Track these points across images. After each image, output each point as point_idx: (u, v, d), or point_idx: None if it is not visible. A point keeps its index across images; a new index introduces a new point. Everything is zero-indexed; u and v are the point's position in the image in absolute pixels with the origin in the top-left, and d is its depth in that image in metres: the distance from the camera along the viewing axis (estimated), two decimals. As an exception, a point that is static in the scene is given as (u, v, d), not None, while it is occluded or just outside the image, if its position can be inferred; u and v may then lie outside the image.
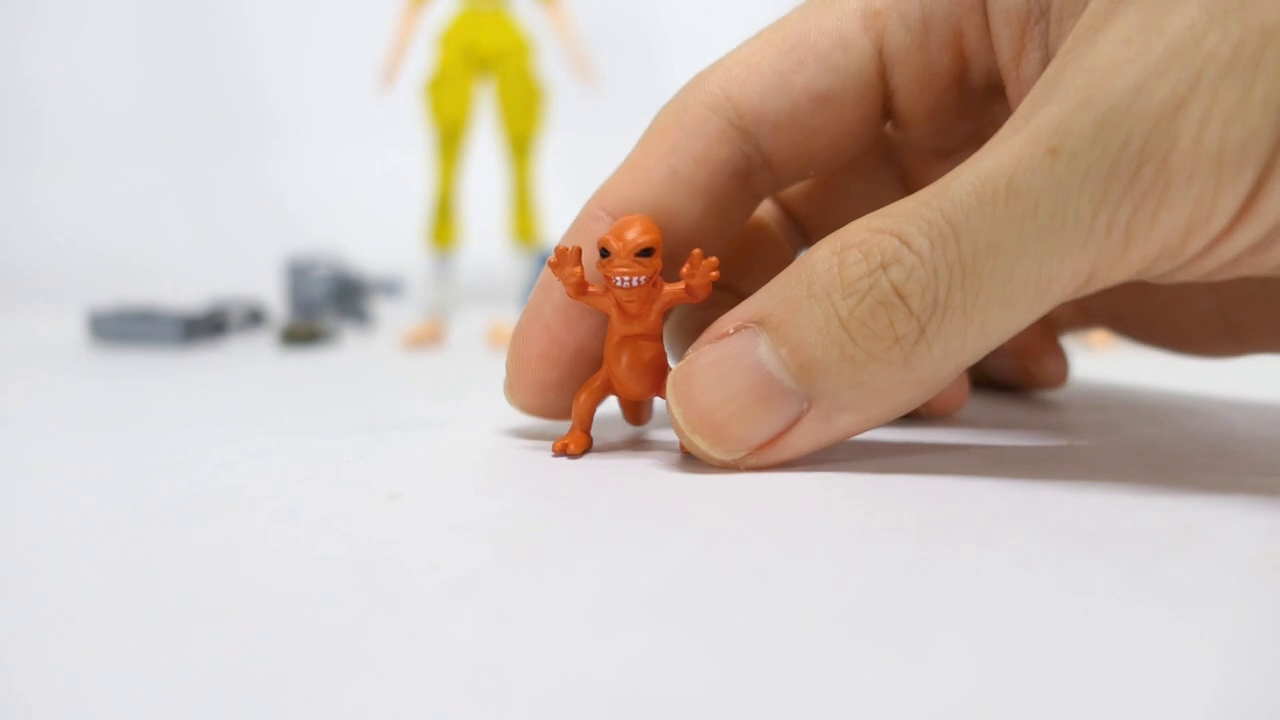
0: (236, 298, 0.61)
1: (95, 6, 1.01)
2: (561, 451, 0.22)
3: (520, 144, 0.59)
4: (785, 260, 0.28)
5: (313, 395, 0.32)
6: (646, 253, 0.20)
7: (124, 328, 0.47)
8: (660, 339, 0.22)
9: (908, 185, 0.27)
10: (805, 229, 0.29)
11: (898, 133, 0.24)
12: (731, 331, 0.19)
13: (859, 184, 0.27)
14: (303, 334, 0.47)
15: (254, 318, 0.55)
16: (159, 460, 0.21)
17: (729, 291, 0.26)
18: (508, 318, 0.58)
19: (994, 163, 0.17)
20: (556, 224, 0.71)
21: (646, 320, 0.21)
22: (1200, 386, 0.33)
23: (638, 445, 0.23)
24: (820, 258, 0.19)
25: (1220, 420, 0.26)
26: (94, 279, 0.86)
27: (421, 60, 0.58)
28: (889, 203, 0.28)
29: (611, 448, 0.23)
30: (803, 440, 0.19)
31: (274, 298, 0.68)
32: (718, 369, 0.19)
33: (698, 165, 0.22)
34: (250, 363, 0.41)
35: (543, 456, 0.22)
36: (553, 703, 0.10)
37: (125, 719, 0.10)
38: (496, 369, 0.40)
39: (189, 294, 0.73)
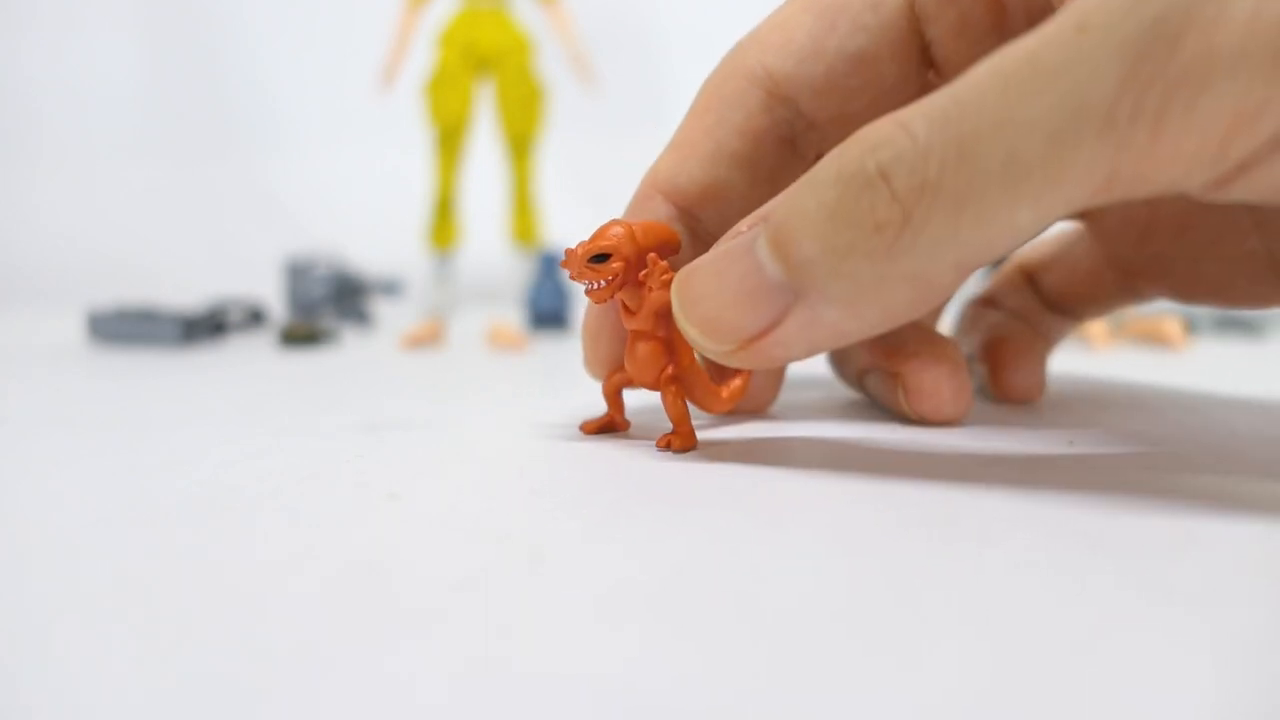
0: (236, 298, 0.61)
1: (95, 6, 1.01)
2: (583, 430, 0.24)
3: (520, 144, 0.59)
4: None
5: (313, 395, 0.32)
6: (600, 258, 0.21)
7: (124, 328, 0.47)
8: (657, 337, 0.22)
9: None
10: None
11: (939, 80, 0.23)
12: (744, 228, 0.19)
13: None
14: (302, 334, 0.47)
15: (254, 318, 0.55)
16: (159, 460, 0.21)
17: None
18: (508, 318, 0.58)
19: (1019, 44, 0.15)
20: (556, 224, 0.71)
21: (641, 318, 0.22)
22: (1200, 387, 0.33)
23: (645, 442, 0.23)
24: (830, 151, 0.18)
25: (1220, 420, 0.26)
26: (94, 279, 0.86)
27: (421, 60, 0.58)
28: None
29: (615, 444, 0.23)
30: (791, 335, 0.18)
31: (274, 298, 0.68)
32: (718, 264, 0.19)
33: (741, 137, 0.22)
34: (250, 363, 0.41)
35: (543, 456, 0.22)
36: (553, 703, 0.10)
37: (124, 719, 0.10)
38: (496, 369, 0.40)
39: (189, 294, 0.73)
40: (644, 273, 0.21)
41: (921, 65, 0.22)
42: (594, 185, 0.93)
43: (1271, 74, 0.13)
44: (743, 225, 0.20)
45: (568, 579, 0.14)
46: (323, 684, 0.10)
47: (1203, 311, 0.53)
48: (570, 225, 0.77)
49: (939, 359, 0.25)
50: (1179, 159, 0.14)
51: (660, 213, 0.24)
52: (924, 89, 0.23)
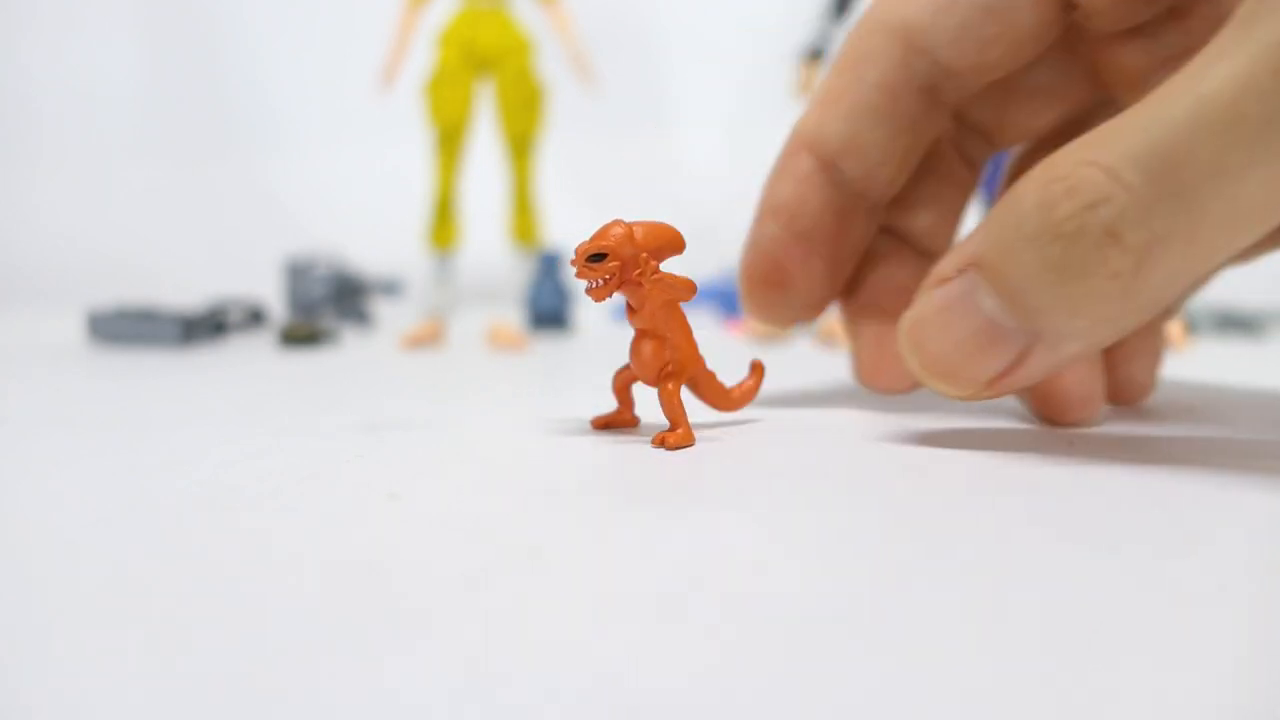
0: (236, 298, 0.61)
1: (96, 6, 1.01)
2: (593, 425, 0.25)
3: (520, 144, 0.59)
4: (961, 186, 0.27)
5: (313, 395, 0.32)
6: (597, 258, 0.22)
7: (123, 328, 0.47)
8: (659, 335, 0.23)
9: (1096, 72, 0.25)
10: (988, 136, 0.27)
11: (1086, 21, 0.23)
12: (952, 276, 0.20)
13: (1039, 76, 0.25)
14: (302, 334, 0.47)
15: (254, 318, 0.55)
16: (159, 460, 0.21)
17: (894, 236, 0.27)
18: (508, 318, 0.58)
19: (1215, 86, 0.16)
20: (556, 224, 0.71)
21: (643, 316, 0.22)
22: (1200, 387, 0.33)
23: (647, 440, 0.23)
24: (1028, 194, 0.18)
25: (1221, 420, 0.26)
26: (94, 279, 0.86)
27: (421, 60, 0.58)
28: (1074, 93, 0.26)
29: (616, 443, 0.23)
30: (1034, 370, 0.20)
31: (274, 298, 0.68)
32: (942, 316, 0.20)
33: (880, 91, 0.23)
34: (250, 363, 0.41)
35: (543, 455, 0.22)
36: (552, 702, 0.10)
37: (125, 719, 0.10)
38: (496, 369, 0.40)
39: (189, 294, 0.73)
40: (637, 272, 0.22)
41: (1063, 9, 0.22)
42: (594, 185, 0.93)
43: None
44: (948, 269, 0.20)
45: (568, 579, 0.14)
46: (322, 684, 0.10)
47: (1203, 311, 0.53)
48: (570, 225, 0.77)
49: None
50: None
51: (804, 167, 0.25)
52: (1068, 32, 0.23)
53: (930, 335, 0.20)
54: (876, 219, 0.26)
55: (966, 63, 0.23)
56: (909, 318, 0.21)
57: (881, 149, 0.24)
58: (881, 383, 0.27)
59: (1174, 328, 0.47)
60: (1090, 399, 0.24)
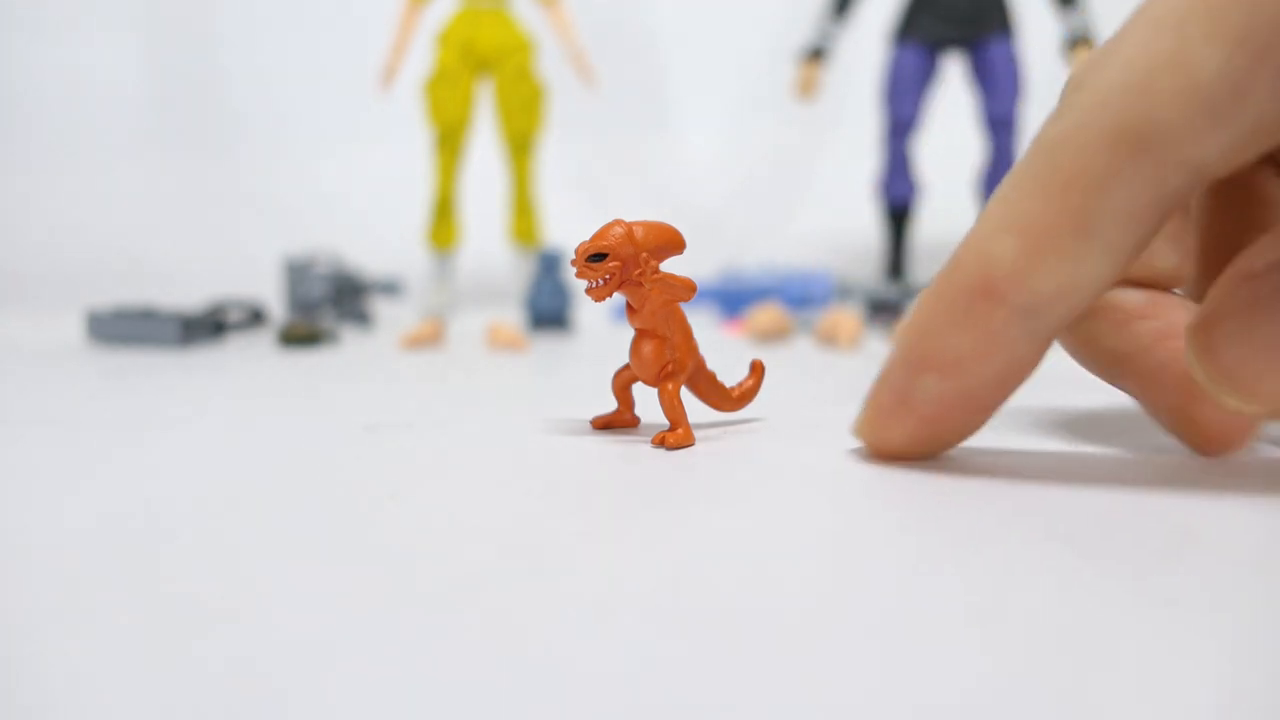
0: (236, 298, 0.61)
1: (96, 6, 1.01)
2: (593, 425, 0.25)
3: (520, 144, 0.59)
4: (1185, 211, 0.22)
5: (313, 395, 0.32)
6: (597, 258, 0.22)
7: (122, 328, 0.47)
8: (659, 335, 0.23)
9: None
10: None
11: None
12: (1261, 270, 0.17)
13: None
14: (302, 334, 0.47)
15: (254, 318, 0.55)
16: (159, 460, 0.21)
17: (1131, 283, 0.21)
18: (507, 318, 0.58)
19: None
20: (556, 224, 0.71)
21: (643, 316, 0.23)
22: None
23: (647, 440, 0.23)
24: None
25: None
26: (94, 279, 0.86)
27: (421, 60, 0.58)
28: None
29: (616, 444, 0.23)
30: None
31: (274, 298, 0.68)
32: (1247, 316, 0.17)
33: (1119, 226, 0.17)
34: (250, 363, 0.41)
35: (542, 455, 0.22)
36: (553, 702, 0.10)
37: (125, 718, 0.10)
38: (496, 369, 0.40)
39: (189, 294, 0.73)
40: (637, 272, 0.22)
41: None
42: (594, 185, 0.93)
43: None
44: (1256, 262, 0.17)
45: (568, 578, 0.14)
46: (322, 684, 0.10)
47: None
48: (570, 225, 0.78)
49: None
50: None
51: (994, 322, 0.18)
52: None
53: (1227, 338, 0.17)
54: None
55: (1244, 160, 0.17)
56: (1201, 316, 0.17)
57: (1106, 281, 0.18)
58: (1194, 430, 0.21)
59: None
60: (1247, 434, 0.21)
